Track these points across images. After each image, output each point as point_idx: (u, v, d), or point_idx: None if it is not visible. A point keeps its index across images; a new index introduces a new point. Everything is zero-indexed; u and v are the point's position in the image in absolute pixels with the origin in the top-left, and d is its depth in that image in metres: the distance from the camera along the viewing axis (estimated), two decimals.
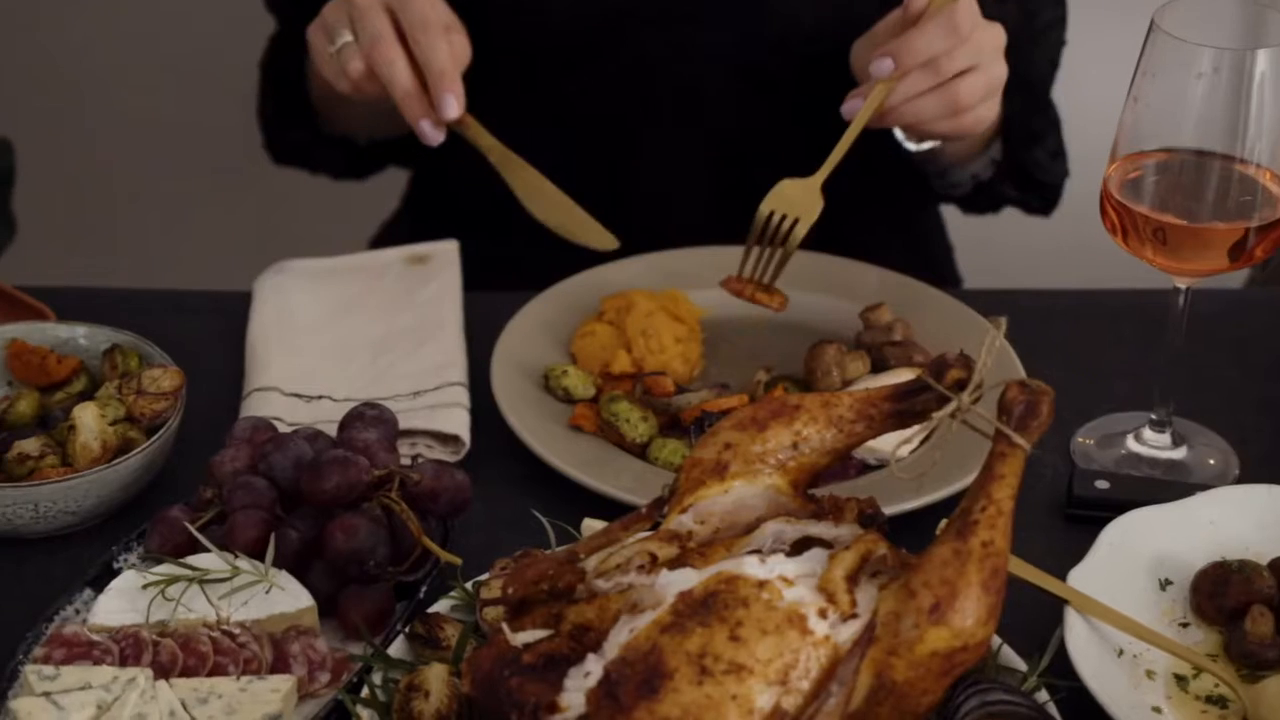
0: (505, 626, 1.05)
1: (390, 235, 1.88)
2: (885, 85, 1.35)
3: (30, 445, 1.24)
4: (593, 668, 1.01)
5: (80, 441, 1.24)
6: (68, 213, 2.38)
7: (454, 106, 1.37)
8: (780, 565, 1.02)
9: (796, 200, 1.37)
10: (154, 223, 2.50)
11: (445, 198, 1.80)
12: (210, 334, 1.46)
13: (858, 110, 1.36)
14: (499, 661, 1.04)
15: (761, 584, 1.00)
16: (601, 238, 1.41)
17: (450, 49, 1.37)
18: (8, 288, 1.44)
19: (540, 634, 1.05)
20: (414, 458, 1.30)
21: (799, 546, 1.07)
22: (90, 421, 1.24)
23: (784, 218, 1.36)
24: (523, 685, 1.02)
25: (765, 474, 1.09)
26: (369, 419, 1.25)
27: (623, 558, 1.07)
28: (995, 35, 1.39)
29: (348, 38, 1.38)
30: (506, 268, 1.64)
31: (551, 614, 1.07)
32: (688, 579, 1.02)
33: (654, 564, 1.06)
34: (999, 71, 1.40)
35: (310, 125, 1.69)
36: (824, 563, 1.03)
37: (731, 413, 1.28)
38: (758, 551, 1.06)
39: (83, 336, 1.35)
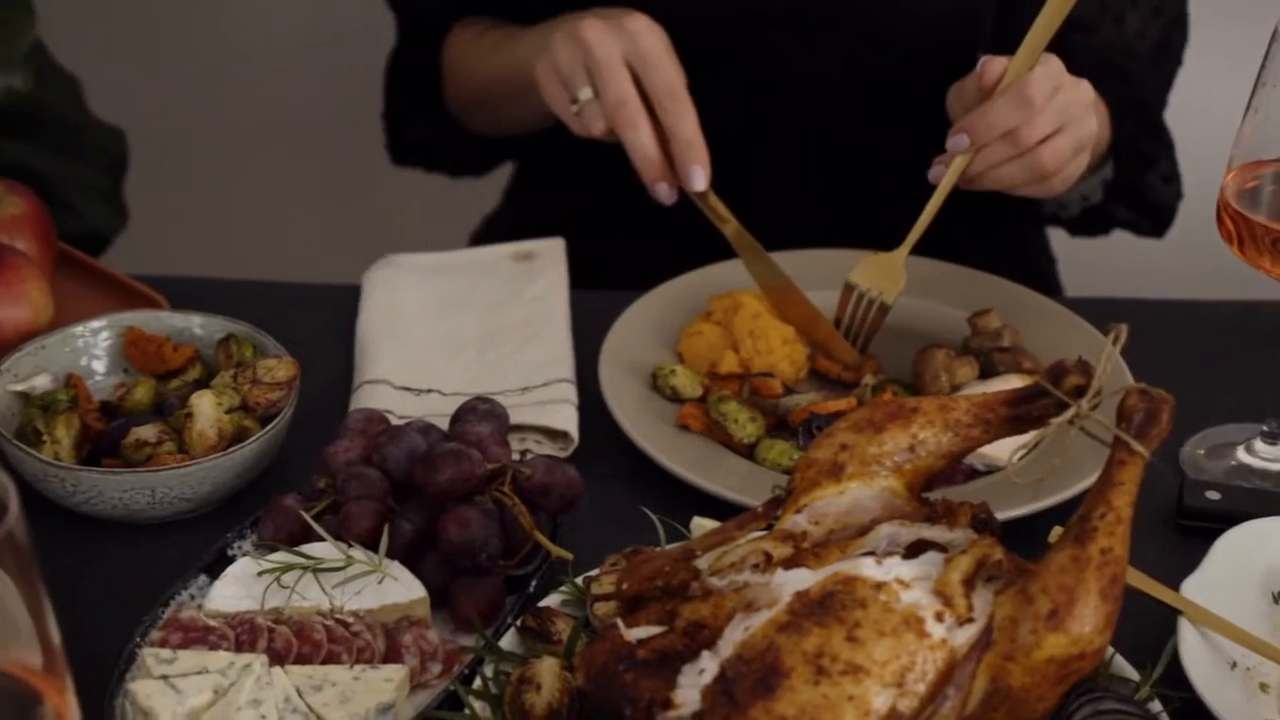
0: (620, 622, 1.06)
1: (492, 229, 1.89)
2: (965, 157, 1.35)
3: (148, 432, 1.25)
4: (707, 665, 1.01)
5: (197, 429, 1.25)
6: (178, 203, 2.40)
7: (701, 179, 1.37)
8: (897, 567, 1.02)
9: (880, 276, 1.40)
10: (260, 215, 2.53)
11: (548, 193, 1.81)
12: (319, 326, 1.47)
13: (941, 177, 1.36)
14: (613, 656, 1.04)
15: (879, 585, 1.01)
16: (845, 351, 1.40)
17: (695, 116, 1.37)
18: (122, 276, 1.46)
19: (654, 630, 1.06)
20: (522, 453, 1.31)
21: (913, 550, 1.07)
22: (207, 409, 1.25)
23: (868, 293, 1.40)
24: (637, 681, 1.02)
25: (881, 476, 1.09)
26: (481, 413, 1.25)
27: (737, 556, 1.07)
28: (1082, 93, 1.36)
29: (588, 94, 1.38)
30: (608, 265, 1.65)
31: (665, 611, 1.07)
32: (804, 579, 1.03)
33: (769, 563, 1.06)
34: (1087, 130, 1.36)
35: (435, 125, 1.72)
36: (939, 566, 1.03)
37: (845, 414, 1.28)
38: (872, 553, 1.06)
39: (198, 326, 1.36)
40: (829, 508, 1.09)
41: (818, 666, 0.98)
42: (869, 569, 1.02)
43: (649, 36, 1.37)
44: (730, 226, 1.39)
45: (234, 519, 1.26)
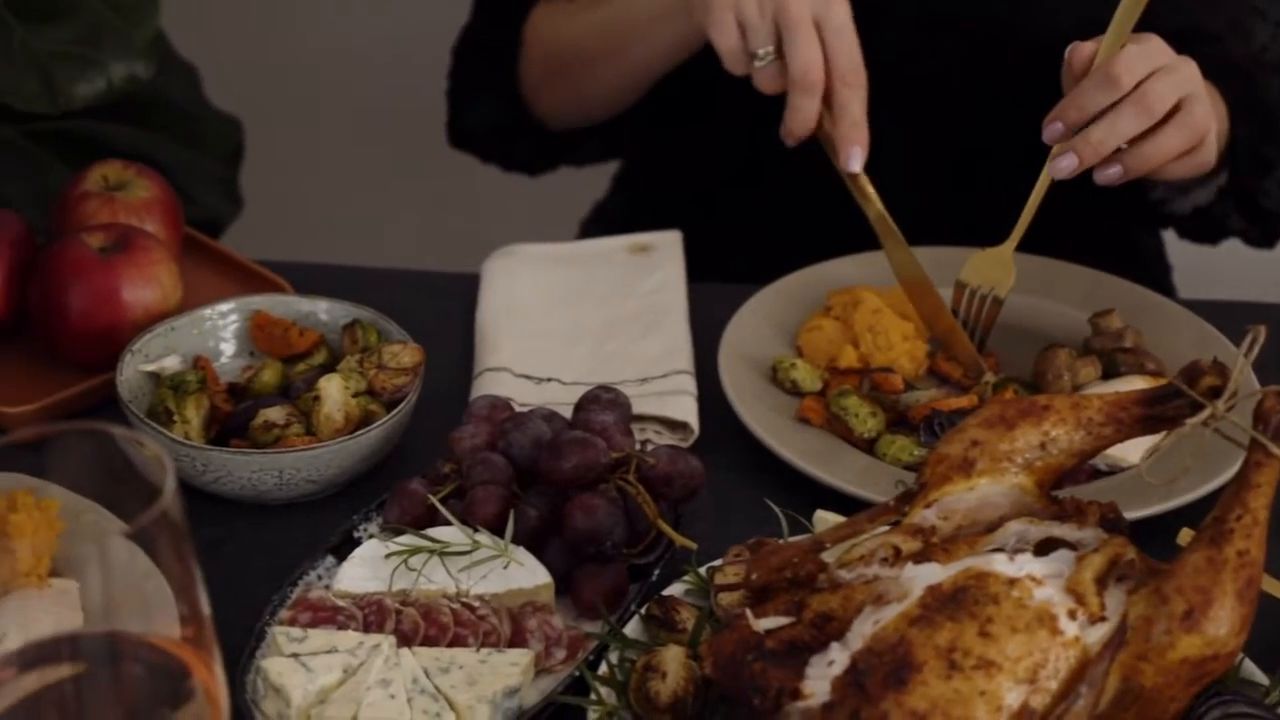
0: (748, 612, 1.06)
1: (601, 216, 1.90)
2: (1061, 147, 1.34)
3: (276, 414, 1.27)
4: (836, 656, 1.02)
5: (325, 412, 1.27)
6: (292, 192, 2.43)
7: (859, 160, 1.37)
8: (1029, 564, 1.02)
9: (991, 271, 1.40)
10: (373, 203, 2.55)
11: (658, 183, 1.81)
12: (437, 313, 1.48)
13: (1064, 172, 1.35)
14: (741, 646, 1.05)
15: (1012, 582, 1.01)
16: (965, 347, 1.40)
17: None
18: (247, 261, 1.48)
19: (782, 621, 1.06)
20: (643, 443, 1.32)
21: (1042, 547, 1.07)
22: (335, 393, 1.27)
23: (980, 289, 1.39)
24: (766, 670, 1.03)
25: (1012, 473, 1.09)
26: (605, 402, 1.26)
27: (866, 549, 1.07)
28: (1189, 70, 1.33)
29: (770, 51, 1.36)
30: (717, 256, 1.65)
31: (793, 601, 1.07)
32: (934, 573, 1.03)
33: (898, 557, 1.06)
34: (1200, 102, 1.34)
35: (501, 105, 1.71)
36: (1071, 564, 1.03)
37: (969, 411, 1.28)
38: (1002, 550, 1.06)
39: (323, 311, 1.38)
40: (958, 503, 1.09)
41: (950, 661, 0.98)
42: (1001, 565, 1.02)
43: (841, 4, 1.36)
44: (874, 210, 1.39)
45: (358, 501, 1.28)
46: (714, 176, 1.74)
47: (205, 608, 0.86)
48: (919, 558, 1.06)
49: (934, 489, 1.09)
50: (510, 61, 1.70)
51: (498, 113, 1.72)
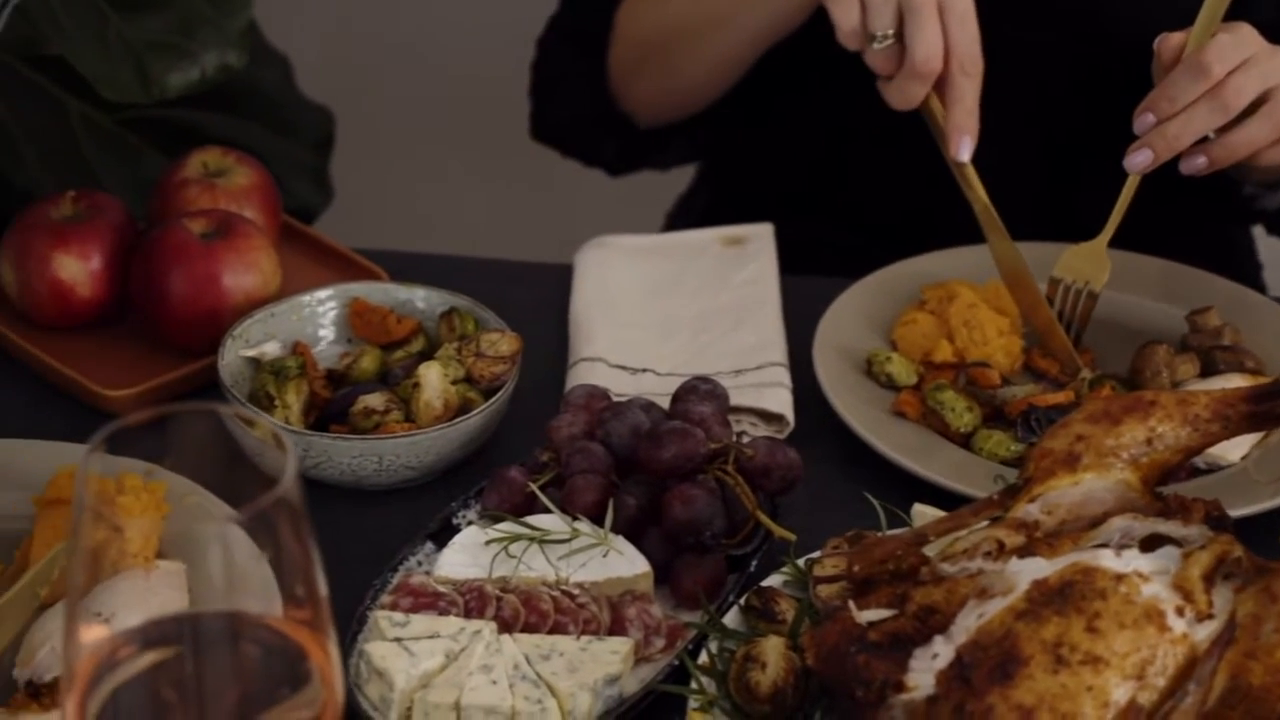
0: (851, 604, 1.06)
1: (687, 208, 1.90)
2: (1138, 141, 1.33)
3: (376, 400, 1.28)
4: (940, 649, 1.02)
5: (424, 399, 1.27)
6: (381, 182, 2.44)
7: (969, 149, 1.36)
8: (1135, 560, 1.02)
9: (1085, 265, 1.39)
10: (460, 194, 2.56)
11: (744, 178, 1.81)
12: (530, 303, 1.49)
13: (1140, 165, 1.34)
14: (845, 637, 1.05)
15: (1119, 577, 1.00)
16: (1062, 343, 1.39)
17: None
18: (343, 248, 1.49)
19: (884, 613, 1.06)
20: (738, 435, 1.32)
21: (1147, 544, 1.06)
22: (435, 380, 1.28)
23: (1074, 284, 1.39)
24: (869, 662, 1.03)
25: (1117, 468, 1.08)
26: (702, 393, 1.26)
27: (970, 543, 1.07)
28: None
29: (890, 35, 1.34)
30: (804, 249, 1.65)
31: (895, 594, 1.08)
32: (1040, 568, 1.03)
33: (1001, 551, 1.06)
34: None
35: (587, 97, 1.70)
36: (1177, 561, 1.03)
37: (1066, 406, 1.28)
38: (1106, 545, 1.06)
39: (420, 299, 1.38)
40: (1062, 498, 1.08)
41: (1057, 655, 0.98)
42: (1109, 560, 1.01)
43: None
44: (979, 201, 1.39)
45: (454, 488, 1.29)
46: (802, 172, 1.73)
47: (323, 589, 0.87)
48: (1023, 552, 1.06)
49: (1038, 483, 1.08)
50: (598, 53, 1.69)
51: (582, 107, 1.71)
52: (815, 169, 1.71)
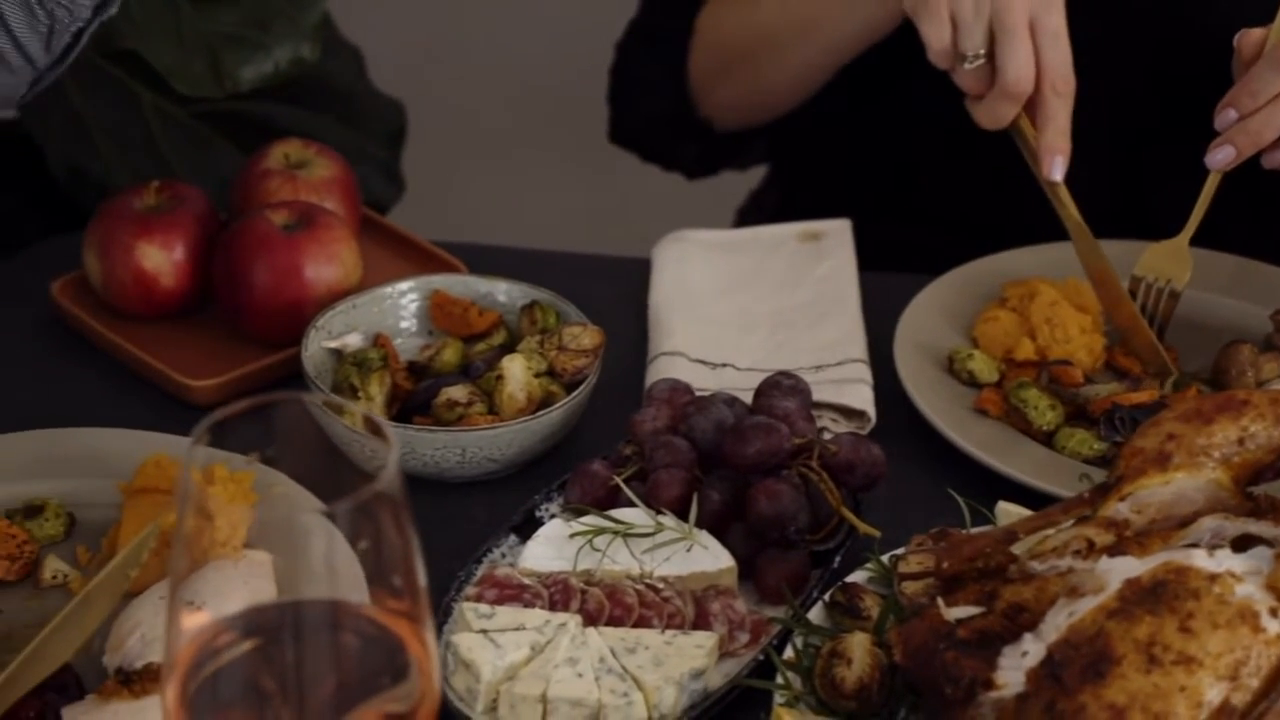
0: (940, 601, 1.06)
1: (758, 206, 1.89)
2: (1220, 137, 1.32)
3: (459, 392, 1.28)
4: (1030, 648, 1.01)
5: (507, 392, 1.28)
6: (452, 175, 2.45)
7: (1062, 169, 1.36)
8: (1228, 560, 1.02)
9: (1166, 264, 1.39)
10: (531, 187, 2.56)
11: (818, 175, 1.81)
12: (608, 297, 1.49)
13: (1221, 162, 1.33)
14: (933, 634, 1.05)
15: (1212, 577, 1.00)
16: (1148, 344, 1.38)
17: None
18: (422, 241, 1.49)
19: (972, 610, 1.06)
20: (820, 430, 1.32)
21: (1238, 544, 1.06)
22: (518, 373, 1.28)
23: (1156, 282, 1.38)
24: (958, 660, 1.03)
25: (1208, 468, 1.08)
26: (785, 388, 1.26)
27: (1059, 541, 1.07)
28: None
29: (981, 55, 1.34)
30: (879, 247, 1.64)
31: (983, 592, 1.07)
32: (1131, 567, 1.02)
33: (1091, 550, 1.06)
34: None
35: (667, 100, 1.71)
36: (1269, 562, 1.02)
37: (1162, 404, 1.27)
38: (1197, 545, 1.05)
39: (502, 292, 1.39)
40: (1152, 497, 1.08)
41: (1149, 655, 0.98)
42: (1201, 560, 1.01)
43: (1059, 9, 1.33)
44: (1071, 218, 1.38)
45: (535, 481, 1.29)
46: (878, 171, 1.73)
47: (422, 581, 0.87)
48: (1113, 551, 1.05)
49: (1129, 482, 1.08)
50: (678, 57, 1.68)
51: (662, 112, 1.71)
52: (892, 168, 1.70)
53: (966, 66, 1.35)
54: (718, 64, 1.66)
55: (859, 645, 1.10)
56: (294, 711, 0.85)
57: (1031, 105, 1.36)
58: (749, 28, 1.63)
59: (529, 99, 2.52)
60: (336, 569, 0.92)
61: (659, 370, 1.38)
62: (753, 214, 1.90)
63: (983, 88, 1.35)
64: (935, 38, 1.35)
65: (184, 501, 0.88)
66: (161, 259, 1.39)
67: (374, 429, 0.88)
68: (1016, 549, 1.09)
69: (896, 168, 1.70)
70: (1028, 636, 1.02)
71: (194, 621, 0.88)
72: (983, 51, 1.34)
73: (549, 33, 2.40)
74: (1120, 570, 1.02)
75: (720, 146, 1.72)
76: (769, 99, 1.66)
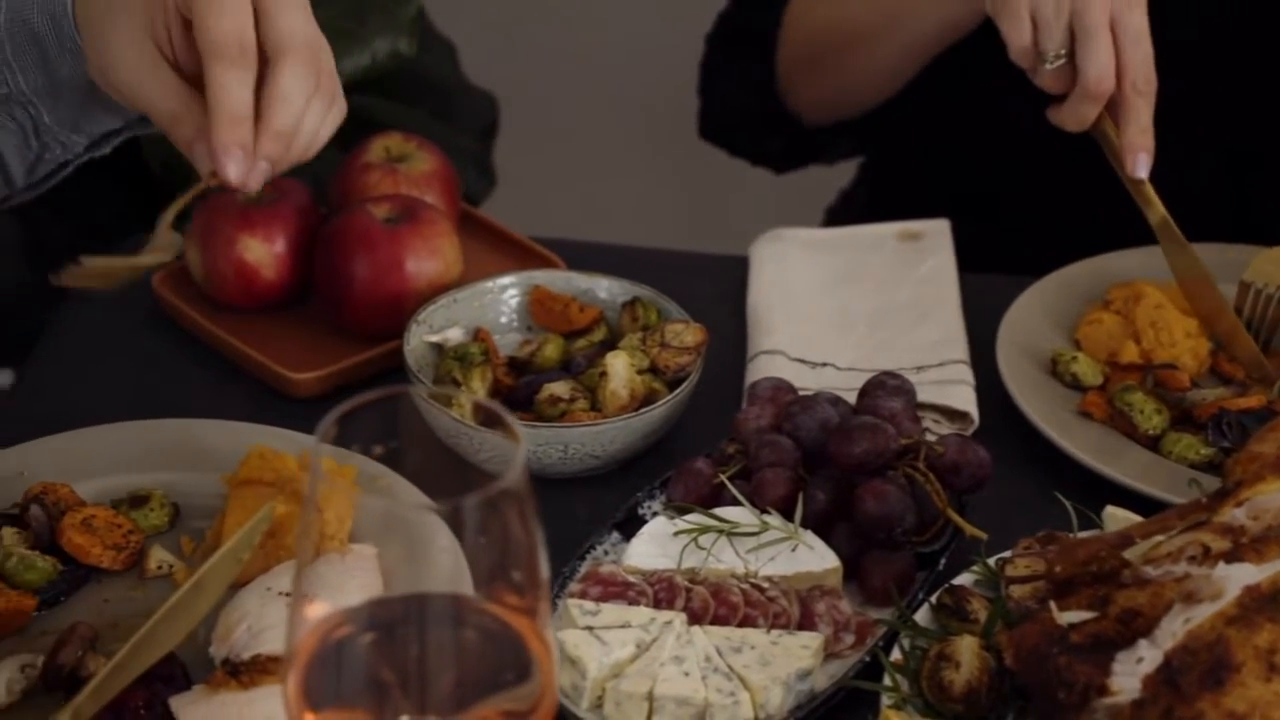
0: (1053, 605, 1.05)
1: (847, 206, 1.89)
2: None
3: (561, 388, 1.28)
4: (1146, 653, 1.00)
5: (610, 388, 1.27)
6: (544, 170, 2.45)
7: (1146, 167, 1.34)
8: None
9: (1276, 270, 1.37)
10: (622, 183, 2.56)
11: (909, 175, 1.80)
12: (706, 294, 1.48)
13: None
14: (1045, 639, 1.04)
15: None
16: (1247, 347, 1.37)
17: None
18: (520, 236, 1.49)
19: (1085, 615, 1.05)
20: (922, 431, 1.31)
21: None
22: (622, 370, 1.28)
23: (1265, 289, 1.37)
24: (1072, 664, 1.02)
25: None
26: (890, 388, 1.26)
27: (1174, 546, 1.06)
28: None
29: (1062, 55, 1.33)
30: (973, 249, 1.63)
31: (1095, 596, 1.06)
32: (1250, 573, 1.01)
33: (1206, 556, 1.05)
34: None
35: (755, 95, 1.70)
36: None
37: (1257, 411, 1.26)
38: None
39: (603, 288, 1.38)
40: (1270, 503, 1.07)
41: (1270, 663, 0.96)
42: None
43: (1140, 8, 1.32)
44: (1157, 215, 1.37)
45: (634, 478, 1.28)
46: (970, 171, 1.72)
47: (545, 579, 0.87)
48: (1229, 557, 1.04)
49: (1246, 488, 1.07)
50: (767, 51, 1.68)
51: (750, 106, 1.71)
52: (986, 168, 1.69)
53: (1047, 66, 1.34)
54: (804, 58, 1.65)
55: (967, 648, 1.09)
56: (415, 705, 0.85)
57: (1113, 105, 1.35)
58: (835, 23, 1.62)
59: (619, 93, 2.52)
60: (442, 564, 0.92)
61: (759, 369, 1.37)
62: (842, 213, 1.89)
63: (1063, 87, 1.35)
64: (1016, 37, 1.35)
65: (311, 494, 0.88)
66: (263, 252, 1.39)
67: (500, 424, 0.88)
68: (1129, 554, 1.08)
69: (991, 168, 1.68)
70: (1143, 642, 1.01)
71: (318, 612, 0.88)
72: (1063, 51, 1.33)
73: (643, 25, 2.40)
74: (1239, 577, 1.01)
75: (808, 141, 1.72)
76: (854, 93, 1.66)
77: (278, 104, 1.09)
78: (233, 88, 1.08)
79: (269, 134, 1.09)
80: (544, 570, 0.87)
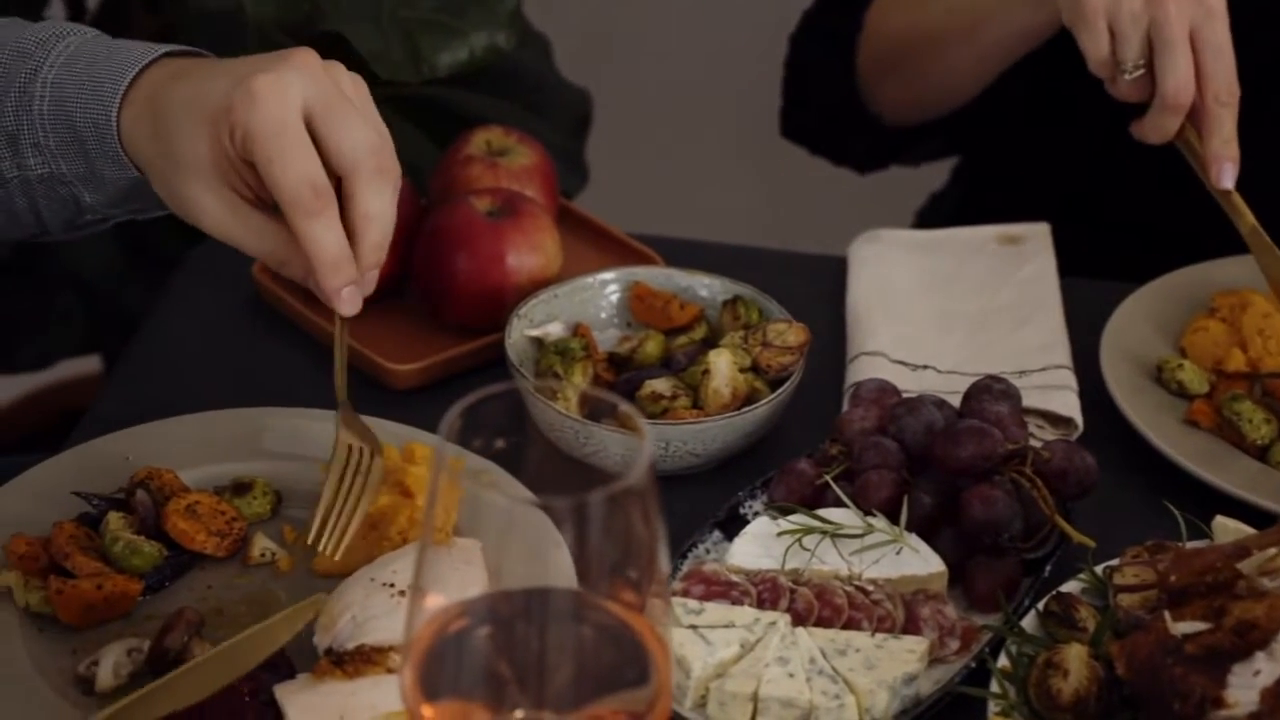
0: (1167, 615, 1.04)
1: (938, 209, 1.87)
2: None
3: (663, 385, 1.27)
4: (1263, 666, 0.99)
5: (713, 387, 1.27)
6: (635, 166, 2.45)
7: (1231, 177, 1.33)
8: None
9: None
10: (713, 181, 2.55)
11: (1002, 179, 1.79)
12: (803, 294, 1.47)
13: None
14: (1159, 649, 1.03)
15: None
16: None
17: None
18: (618, 232, 1.49)
19: (1199, 626, 1.04)
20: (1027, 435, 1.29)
21: None
22: (725, 368, 1.27)
23: None
24: (1186, 675, 1.01)
25: None
26: (996, 392, 1.24)
27: None
28: None
29: (1140, 66, 1.32)
30: (1074, 253, 1.62)
31: (1210, 607, 1.05)
32: None
33: None
34: None
35: (837, 94, 1.69)
36: None
37: None
38: None
39: (703, 286, 1.38)
40: None
41: None
42: None
43: (1222, 20, 1.31)
44: (1247, 224, 1.35)
45: (734, 477, 1.28)
46: (1064, 175, 1.70)
47: (665, 572, 0.87)
48: None
49: None
50: (848, 50, 1.67)
51: (832, 105, 1.70)
52: (1082, 173, 1.67)
53: (1126, 77, 1.33)
54: (884, 60, 1.65)
55: (1075, 657, 1.08)
56: (532, 700, 0.85)
57: (1196, 116, 1.33)
58: (915, 26, 1.62)
59: (708, 92, 2.52)
60: (547, 560, 0.91)
61: (860, 370, 1.36)
62: (931, 215, 1.88)
63: (1141, 96, 1.34)
64: (1093, 48, 1.34)
65: (433, 488, 0.88)
66: None
67: (623, 420, 0.87)
68: (1244, 565, 1.06)
69: (1092, 171, 1.67)
70: (1260, 655, 1.00)
71: (437, 604, 0.88)
72: (1142, 62, 1.32)
73: (736, 23, 2.39)
74: None
75: (890, 141, 1.71)
76: (933, 96, 1.65)
77: (367, 223, 1.12)
78: (322, 236, 1.11)
79: (368, 251, 1.13)
80: (664, 569, 0.87)
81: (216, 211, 1.12)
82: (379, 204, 1.12)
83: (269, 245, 1.13)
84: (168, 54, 1.15)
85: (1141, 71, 1.33)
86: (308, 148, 1.10)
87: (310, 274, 1.12)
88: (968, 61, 1.59)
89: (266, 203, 1.13)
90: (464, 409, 0.88)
